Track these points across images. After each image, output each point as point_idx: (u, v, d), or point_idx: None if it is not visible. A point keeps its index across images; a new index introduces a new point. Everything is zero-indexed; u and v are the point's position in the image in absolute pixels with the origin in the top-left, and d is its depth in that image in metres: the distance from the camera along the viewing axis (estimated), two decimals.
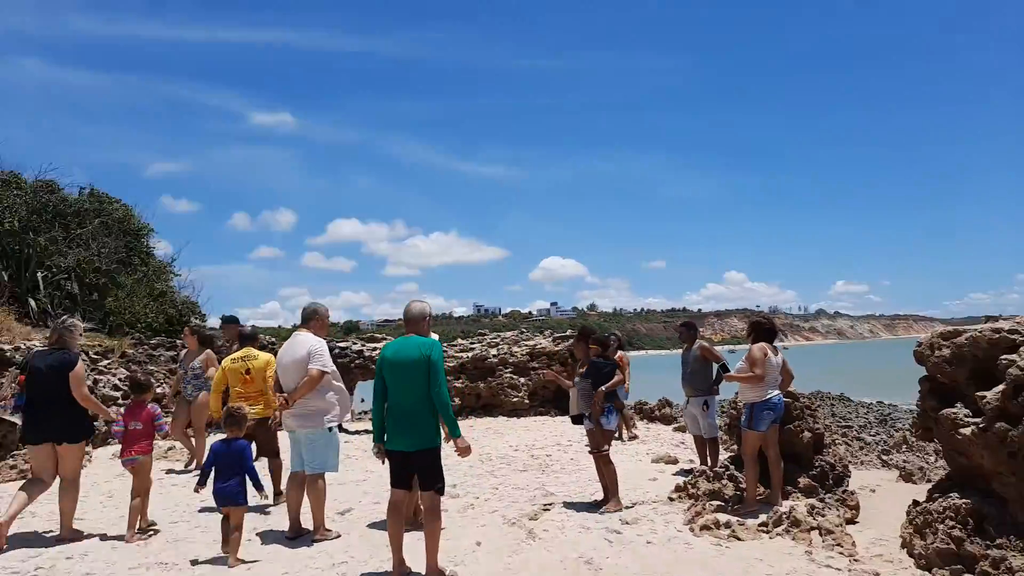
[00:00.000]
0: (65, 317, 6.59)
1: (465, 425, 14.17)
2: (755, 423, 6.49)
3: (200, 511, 7.04)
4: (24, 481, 6.44)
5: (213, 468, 5.61)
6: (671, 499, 7.29)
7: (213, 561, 5.57)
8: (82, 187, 20.29)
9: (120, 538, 6.12)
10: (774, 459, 6.61)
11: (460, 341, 16.76)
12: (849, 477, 7.22)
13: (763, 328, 6.78)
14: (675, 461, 9.93)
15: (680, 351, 8.77)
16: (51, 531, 6.34)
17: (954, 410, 5.49)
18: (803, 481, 6.86)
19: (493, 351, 15.61)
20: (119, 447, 6.42)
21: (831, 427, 13.65)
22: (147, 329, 17.83)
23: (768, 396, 6.51)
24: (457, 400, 15.21)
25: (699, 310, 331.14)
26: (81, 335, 6.46)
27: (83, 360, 6.78)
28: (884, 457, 10.98)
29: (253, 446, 6.35)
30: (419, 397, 4.91)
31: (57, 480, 6.13)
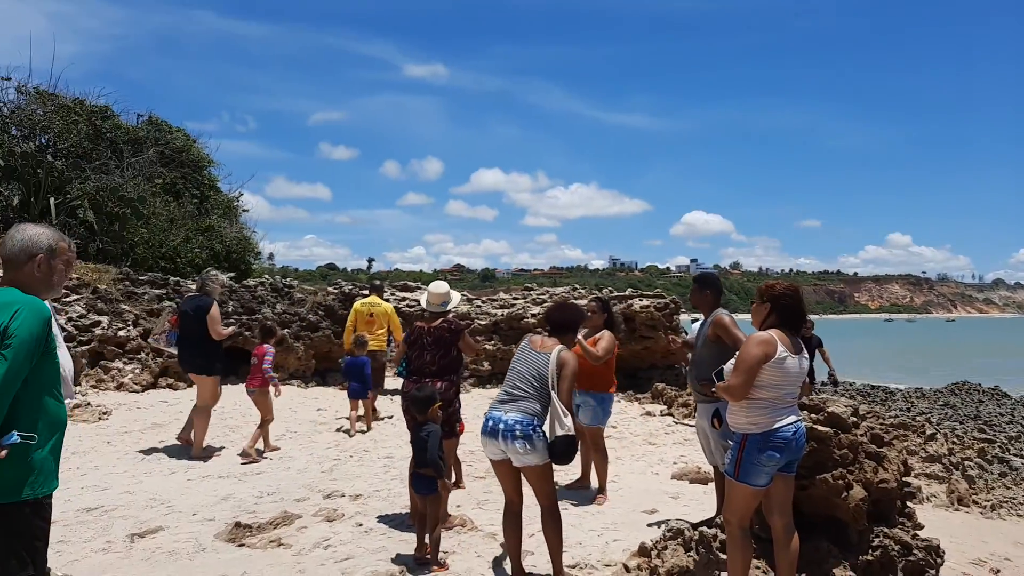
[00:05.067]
0: (209, 269, 8.64)
1: (485, 394, 11.83)
2: (745, 471, 3.62)
3: None
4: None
5: (346, 373, 8.63)
6: (627, 569, 4.58)
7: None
8: (140, 114, 19.50)
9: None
10: (782, 534, 3.73)
11: (502, 296, 14.28)
12: (939, 564, 4.16)
13: (781, 304, 3.80)
14: (706, 481, 7.07)
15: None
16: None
17: None
18: None
19: (536, 309, 13.01)
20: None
21: (963, 440, 10.03)
22: (188, 265, 16.79)
23: (776, 425, 3.61)
24: (487, 364, 12.88)
25: (855, 273, 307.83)
26: (222, 284, 8.24)
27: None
28: None
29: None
30: None
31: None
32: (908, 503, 4.51)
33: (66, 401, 3.77)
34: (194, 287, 12.94)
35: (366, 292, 12.63)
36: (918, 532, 4.23)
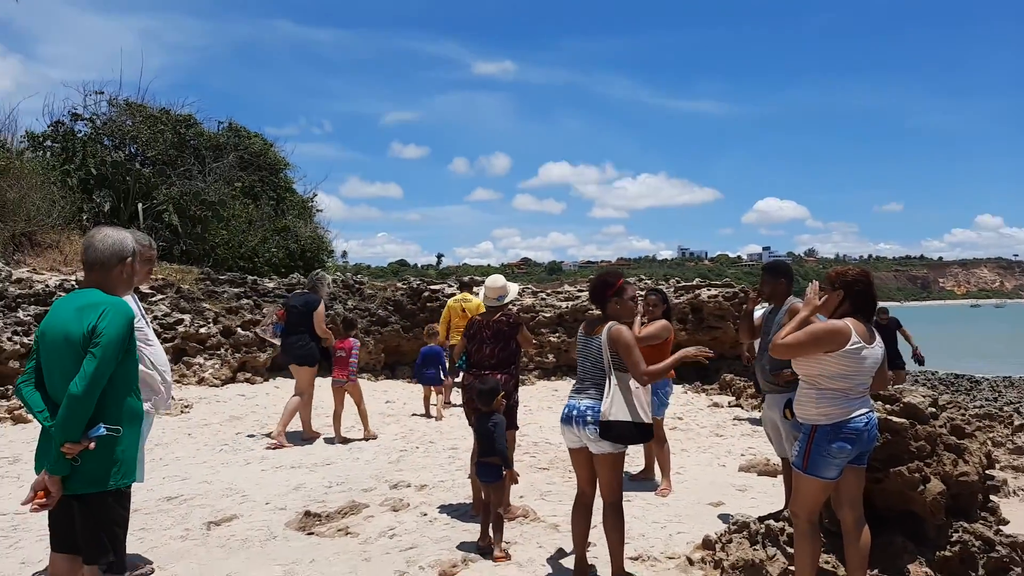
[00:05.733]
0: (318, 270, 9.11)
1: (549, 387, 11.85)
2: (814, 463, 3.51)
3: None
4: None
5: (421, 362, 9.30)
6: (691, 562, 4.52)
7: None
8: (220, 121, 20.25)
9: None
10: (852, 528, 3.60)
11: (566, 288, 14.24)
12: None
13: (855, 291, 3.67)
14: (774, 473, 6.89)
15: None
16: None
17: None
18: (916, 572, 3.75)
19: None
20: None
21: None
22: (266, 264, 17.39)
23: (850, 415, 3.48)
24: (551, 356, 12.87)
25: (940, 258, 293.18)
26: (330, 285, 8.99)
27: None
28: None
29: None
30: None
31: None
32: (992, 497, 4.29)
33: (160, 396, 3.97)
34: (270, 285, 13.54)
35: (438, 288, 13.36)
36: (1002, 527, 4.02)
